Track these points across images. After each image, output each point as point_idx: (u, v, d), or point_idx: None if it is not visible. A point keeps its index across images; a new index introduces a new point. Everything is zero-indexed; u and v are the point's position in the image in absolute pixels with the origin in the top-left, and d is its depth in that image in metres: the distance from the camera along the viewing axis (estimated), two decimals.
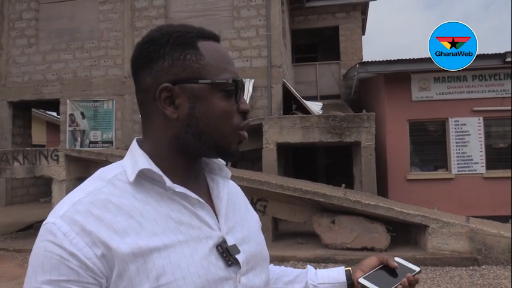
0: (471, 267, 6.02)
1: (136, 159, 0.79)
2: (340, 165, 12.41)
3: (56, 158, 7.89)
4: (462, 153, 9.79)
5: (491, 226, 6.54)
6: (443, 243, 6.26)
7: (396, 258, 0.97)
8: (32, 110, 14.27)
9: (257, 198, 7.32)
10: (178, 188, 0.78)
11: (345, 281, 0.99)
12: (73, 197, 0.74)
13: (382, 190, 9.48)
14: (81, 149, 9.85)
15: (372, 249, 6.55)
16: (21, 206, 11.79)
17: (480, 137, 9.75)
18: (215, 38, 0.84)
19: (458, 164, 9.78)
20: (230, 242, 0.80)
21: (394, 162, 9.88)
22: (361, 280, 0.93)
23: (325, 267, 6.29)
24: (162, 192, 0.78)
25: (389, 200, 7.98)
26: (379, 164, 9.07)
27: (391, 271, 0.95)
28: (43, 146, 16.15)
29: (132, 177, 0.77)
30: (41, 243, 0.71)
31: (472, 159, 9.74)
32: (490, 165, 9.70)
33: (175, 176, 0.80)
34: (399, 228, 6.84)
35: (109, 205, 0.73)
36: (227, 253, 0.78)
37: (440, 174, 9.89)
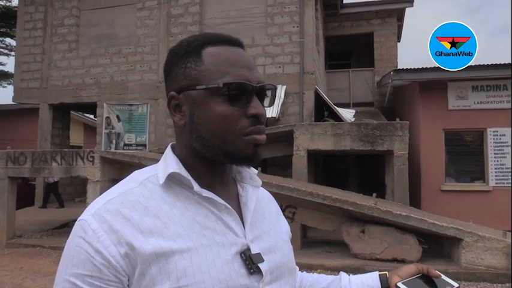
0: (507, 285, 5.77)
1: (167, 163, 0.82)
2: (372, 174, 12.20)
3: (91, 159, 8.14)
4: (501, 165, 9.43)
5: None
6: (478, 258, 6.04)
7: (436, 271, 0.94)
8: (71, 112, 14.78)
9: (286, 204, 7.29)
10: (206, 193, 0.79)
11: (380, 287, 0.96)
12: (106, 197, 0.78)
13: (415, 201, 9.24)
14: (116, 151, 10.11)
15: (403, 261, 6.39)
16: (57, 205, 12.20)
17: None
18: (231, 42, 0.83)
19: (496, 176, 9.43)
20: (254, 250, 0.80)
21: (428, 172, 9.62)
22: (400, 284, 0.92)
23: None
24: (190, 196, 0.80)
25: (421, 211, 7.77)
26: (412, 174, 8.85)
27: (430, 282, 0.92)
28: (80, 147, 16.69)
29: (162, 180, 0.79)
30: (73, 238, 0.75)
31: (510, 172, 9.36)
32: None
33: (203, 181, 0.81)
34: (431, 240, 6.66)
35: (137, 206, 0.76)
36: (250, 261, 0.78)
37: (476, 186, 9.55)
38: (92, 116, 17.14)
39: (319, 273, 6.29)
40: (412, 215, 6.42)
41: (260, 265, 0.79)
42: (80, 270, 0.71)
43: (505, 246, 5.97)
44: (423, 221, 6.33)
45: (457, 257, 6.30)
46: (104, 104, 11.72)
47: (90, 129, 17.87)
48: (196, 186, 0.78)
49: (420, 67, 9.84)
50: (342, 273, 1.04)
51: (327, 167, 13.07)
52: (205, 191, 0.79)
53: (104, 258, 0.71)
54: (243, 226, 0.82)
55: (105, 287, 0.71)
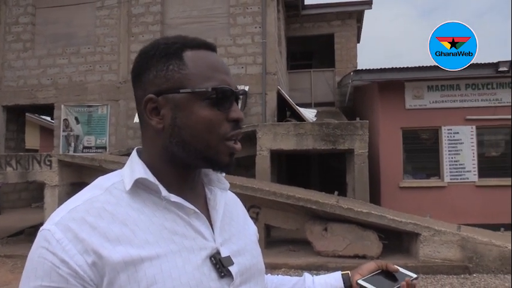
0: (462, 276, 6.04)
1: (134, 168, 0.81)
2: (334, 173, 12.44)
3: (49, 163, 7.86)
4: (455, 161, 9.85)
5: (482, 234, 6.57)
6: (434, 251, 6.29)
7: (394, 265, 0.98)
8: (26, 114, 14.22)
9: (250, 205, 7.32)
10: (174, 198, 0.78)
11: (342, 286, 0.99)
12: (69, 205, 0.76)
13: (375, 198, 9.50)
14: (75, 154, 9.83)
15: (364, 257, 6.56)
16: (12, 211, 11.71)
17: (473, 146, 9.82)
18: (208, 47, 0.84)
19: (450, 172, 9.84)
20: (224, 253, 0.80)
21: (387, 169, 9.91)
22: (360, 281, 0.95)
23: (317, 274, 6.30)
24: (158, 202, 0.78)
25: (381, 208, 8.01)
26: (372, 172, 9.10)
27: (390, 276, 0.96)
28: (36, 150, 16.08)
29: (128, 186, 0.78)
30: (36, 249, 0.72)
31: (464, 168, 9.80)
32: (482, 174, 9.75)
33: (171, 186, 0.80)
34: (391, 236, 6.87)
35: (104, 213, 0.74)
36: (220, 264, 0.78)
37: (432, 182, 9.93)
38: (49, 118, 16.53)
39: (284, 272, 6.37)
40: (373, 212, 6.60)
41: (230, 268, 0.79)
42: (45, 282, 0.69)
43: (459, 239, 6.25)
44: (383, 217, 6.52)
45: (415, 251, 6.53)
46: (62, 106, 11.35)
47: (47, 132, 17.28)
48: (164, 192, 0.77)
49: (379, 68, 10.14)
50: (306, 274, 1.06)
51: (290, 167, 13.22)
52: (173, 195, 0.78)
53: (70, 268, 0.69)
54: (212, 230, 0.82)
55: None
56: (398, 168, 9.99)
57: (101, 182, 0.81)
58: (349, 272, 1.01)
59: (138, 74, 0.83)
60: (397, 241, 7.05)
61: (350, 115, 11.94)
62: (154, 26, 11.14)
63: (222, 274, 0.78)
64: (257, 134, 8.64)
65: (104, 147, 11.09)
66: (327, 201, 6.81)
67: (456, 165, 9.85)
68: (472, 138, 9.83)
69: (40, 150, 16.89)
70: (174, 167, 0.82)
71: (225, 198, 0.89)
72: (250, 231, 0.96)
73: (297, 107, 10.67)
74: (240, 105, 0.86)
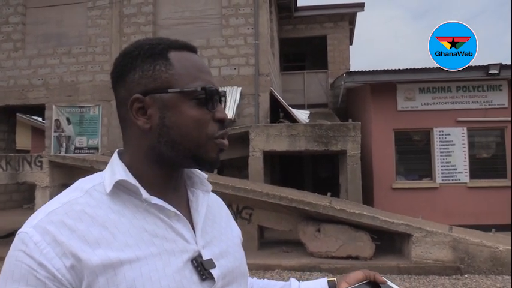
0: (454, 276, 6.07)
1: (114, 170, 0.79)
2: (327, 174, 12.46)
3: (39, 164, 7.80)
4: (446, 162, 9.91)
5: (474, 235, 6.61)
6: (426, 252, 6.31)
7: (383, 277, 0.96)
8: (17, 115, 14.09)
9: (243, 206, 7.31)
10: (155, 200, 0.77)
11: None
12: (48, 207, 0.74)
13: (368, 199, 9.53)
14: (66, 155, 9.74)
15: (357, 258, 6.58)
16: (3, 213, 11.58)
17: (464, 147, 9.89)
18: (190, 48, 0.85)
19: (442, 173, 9.90)
20: (206, 256, 0.79)
21: (379, 171, 9.95)
22: None
23: (310, 275, 6.31)
24: (139, 204, 0.77)
25: (374, 209, 8.03)
26: (365, 173, 9.13)
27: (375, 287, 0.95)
28: (28, 151, 15.92)
29: (108, 188, 0.77)
30: (13, 252, 0.71)
31: (456, 169, 9.87)
32: (473, 175, 9.83)
33: (154, 188, 0.79)
34: (384, 237, 6.89)
35: (83, 216, 0.73)
36: (202, 267, 0.77)
37: (425, 183, 9.99)
38: (40, 119, 16.40)
39: (277, 273, 6.35)
40: (365, 213, 6.62)
41: (212, 271, 0.78)
42: (22, 285, 0.68)
43: (451, 240, 6.28)
44: (375, 218, 6.54)
45: (407, 252, 6.56)
46: (53, 106, 11.25)
47: (39, 133, 17.09)
48: (145, 194, 0.76)
49: (371, 69, 10.18)
50: (292, 280, 1.05)
51: (284, 168, 13.22)
52: (154, 198, 0.77)
53: (48, 272, 0.67)
54: (194, 232, 0.81)
55: None
56: (391, 169, 10.03)
57: (81, 185, 0.79)
58: (335, 279, 1.00)
59: (121, 74, 0.82)
60: (389, 242, 7.07)
61: (343, 116, 11.98)
62: (147, 26, 11.09)
63: (204, 277, 0.77)
64: (250, 135, 8.63)
65: (96, 148, 11.01)
66: (320, 202, 6.82)
67: (448, 166, 9.92)
68: (463, 140, 9.90)
69: (32, 150, 16.73)
70: (160, 167, 0.81)
71: (207, 200, 0.88)
72: (234, 233, 0.95)
73: (290, 108, 10.68)
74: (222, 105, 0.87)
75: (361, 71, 10.48)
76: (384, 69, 9.98)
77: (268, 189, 7.30)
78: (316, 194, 8.16)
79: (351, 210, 6.60)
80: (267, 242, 7.95)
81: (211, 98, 0.80)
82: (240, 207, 7.32)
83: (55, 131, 11.24)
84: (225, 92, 0.90)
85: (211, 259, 0.80)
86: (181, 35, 10.79)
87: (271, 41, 11.63)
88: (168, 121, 0.78)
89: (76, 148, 11.10)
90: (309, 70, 15.40)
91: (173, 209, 0.78)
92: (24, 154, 8.61)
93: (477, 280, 5.89)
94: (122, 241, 0.72)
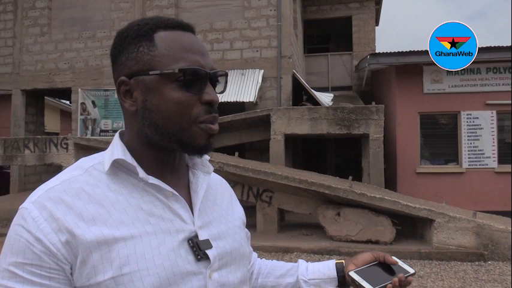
0: (477, 263, 5.95)
1: (113, 149, 0.81)
2: (350, 158, 12.33)
3: (65, 146, 8.00)
4: (474, 147, 9.63)
5: (499, 221, 6.44)
6: (449, 238, 6.19)
7: (393, 257, 0.94)
8: (46, 98, 14.45)
9: (263, 189, 7.32)
10: (152, 180, 0.77)
11: (336, 276, 0.98)
12: (48, 184, 0.76)
13: (391, 183, 9.39)
14: (90, 137, 9.95)
15: (377, 242, 6.52)
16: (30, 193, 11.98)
17: (493, 131, 9.58)
18: (183, 27, 0.82)
19: (469, 158, 9.63)
20: (203, 236, 0.79)
21: (403, 155, 9.77)
22: (352, 273, 0.92)
23: (329, 259, 6.29)
24: (137, 184, 0.78)
25: (396, 193, 7.91)
26: (388, 157, 8.98)
27: (386, 269, 0.92)
28: (57, 134, 16.36)
29: (107, 167, 0.78)
30: (14, 226, 0.73)
31: (483, 154, 9.58)
32: (502, 160, 9.53)
33: (151, 168, 0.80)
34: (405, 221, 6.79)
35: (81, 193, 0.74)
36: (197, 247, 0.77)
37: (450, 168, 9.75)
38: (67, 102, 16.78)
39: (296, 256, 6.36)
40: (386, 197, 6.53)
41: (208, 251, 0.78)
42: (20, 258, 0.70)
43: (475, 226, 6.13)
44: (397, 202, 6.44)
45: (429, 237, 6.45)
46: (79, 90, 11.49)
47: (67, 116, 17.53)
48: (141, 173, 0.77)
49: (396, 51, 9.90)
50: (300, 261, 1.05)
51: (306, 151, 13.15)
52: (151, 177, 0.77)
53: (44, 246, 0.69)
54: (193, 213, 0.81)
55: (46, 274, 0.69)
56: (416, 153, 9.83)
57: (82, 163, 0.81)
58: (343, 261, 0.99)
59: (113, 56, 0.82)
60: (411, 227, 6.97)
61: (367, 99, 11.75)
62: (169, 9, 11.09)
63: (199, 257, 0.77)
64: (271, 118, 8.59)
65: None
66: (340, 186, 6.76)
67: (475, 151, 9.64)
68: (492, 124, 9.58)
69: (60, 133, 17.17)
70: (151, 149, 0.81)
71: (207, 181, 0.88)
72: (235, 215, 0.94)
73: (313, 91, 10.55)
74: (220, 87, 0.84)
75: (386, 52, 10.22)
76: (410, 51, 9.69)
77: (288, 173, 7.28)
78: (337, 177, 8.09)
79: (372, 195, 6.52)
80: (287, 225, 7.97)
81: (196, 79, 0.77)
82: (261, 190, 7.34)
83: (81, 114, 11.48)
84: (224, 72, 0.85)
85: (207, 240, 0.80)
86: (204, 18, 10.77)
87: (294, 23, 11.45)
88: (149, 104, 0.77)
89: (102, 131, 11.33)
90: (334, 52, 15.12)
91: (170, 189, 0.79)
92: (51, 136, 8.86)
93: (501, 267, 5.75)
94: (118, 219, 0.73)
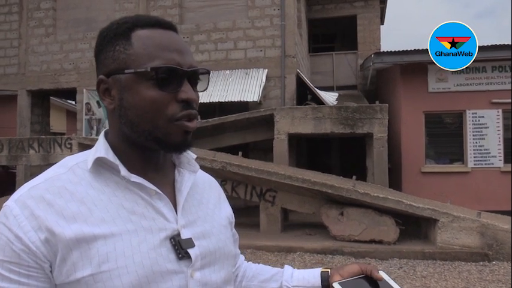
0: (481, 263, 5.90)
1: (97, 148, 0.81)
2: (354, 157, 12.28)
3: (69, 146, 8.05)
4: (479, 146, 9.56)
5: (504, 221, 6.38)
6: (453, 238, 6.15)
7: (381, 272, 0.91)
8: (52, 98, 14.53)
9: (266, 188, 7.31)
10: (134, 178, 0.77)
11: (320, 285, 0.97)
12: (32, 183, 0.77)
13: (396, 182, 9.35)
14: (94, 137, 9.99)
15: (380, 242, 6.49)
16: None
17: (498, 130, 9.50)
18: (162, 25, 0.81)
19: (475, 157, 9.56)
20: (186, 235, 0.79)
21: (408, 154, 9.71)
22: (335, 285, 0.89)
23: (332, 258, 6.28)
24: (120, 182, 0.78)
25: (399, 193, 7.85)
26: (393, 156, 8.93)
27: (371, 283, 0.89)
28: (63, 134, 16.45)
29: (89, 165, 0.78)
30: None
31: (489, 153, 9.50)
32: (508, 159, 9.44)
33: (134, 167, 0.80)
34: (409, 221, 6.76)
35: (63, 192, 0.75)
36: (179, 246, 0.77)
37: (456, 167, 9.68)
38: (73, 102, 16.87)
39: (299, 255, 6.33)
40: (390, 197, 6.49)
41: (190, 250, 0.78)
42: (0, 256, 0.70)
43: (479, 226, 6.08)
44: (400, 202, 6.40)
45: (433, 237, 6.41)
46: (84, 90, 11.54)
47: (73, 116, 17.59)
48: (123, 171, 0.77)
49: (401, 50, 9.85)
50: (286, 267, 1.05)
51: (310, 151, 13.12)
52: (134, 176, 0.77)
53: (23, 244, 0.70)
54: (176, 212, 0.81)
55: (24, 272, 0.70)
56: (420, 152, 9.77)
57: (66, 161, 0.82)
58: (329, 270, 0.98)
59: (95, 55, 0.84)
60: (415, 227, 6.93)
61: (372, 99, 11.69)
62: (173, 9, 11.11)
63: (180, 256, 0.76)
64: (275, 118, 8.58)
65: None
66: (343, 185, 6.73)
67: (481, 150, 9.57)
68: (498, 123, 9.50)
69: (67, 133, 17.22)
70: (131, 147, 0.81)
71: (192, 180, 0.87)
72: (222, 215, 0.94)
73: (317, 90, 10.52)
74: (202, 85, 0.83)
75: (391, 51, 10.17)
76: (414, 49, 9.63)
77: (291, 172, 7.26)
78: (341, 177, 8.06)
79: (375, 194, 6.49)
80: (290, 225, 7.95)
81: (170, 78, 0.77)
82: (264, 190, 7.33)
83: (86, 114, 11.55)
84: (205, 69, 0.84)
85: (190, 238, 0.79)
86: (207, 17, 10.78)
87: (298, 22, 11.42)
88: (125, 102, 0.78)
89: None
90: (338, 51, 15.07)
91: (153, 187, 0.79)
92: (55, 136, 8.92)
93: (505, 267, 5.70)
94: (99, 217, 0.73)
